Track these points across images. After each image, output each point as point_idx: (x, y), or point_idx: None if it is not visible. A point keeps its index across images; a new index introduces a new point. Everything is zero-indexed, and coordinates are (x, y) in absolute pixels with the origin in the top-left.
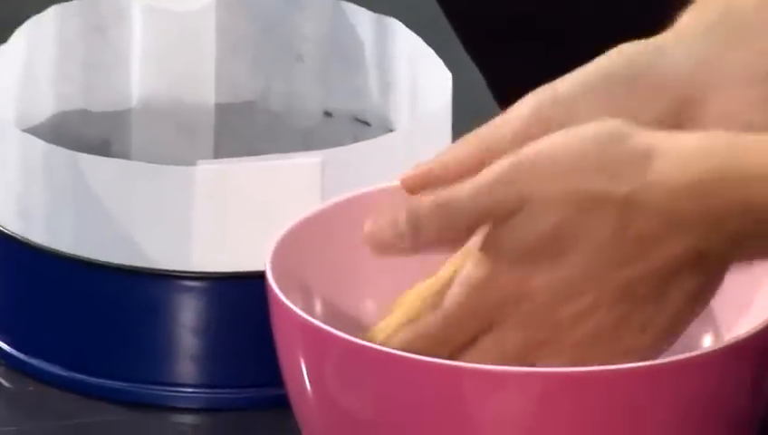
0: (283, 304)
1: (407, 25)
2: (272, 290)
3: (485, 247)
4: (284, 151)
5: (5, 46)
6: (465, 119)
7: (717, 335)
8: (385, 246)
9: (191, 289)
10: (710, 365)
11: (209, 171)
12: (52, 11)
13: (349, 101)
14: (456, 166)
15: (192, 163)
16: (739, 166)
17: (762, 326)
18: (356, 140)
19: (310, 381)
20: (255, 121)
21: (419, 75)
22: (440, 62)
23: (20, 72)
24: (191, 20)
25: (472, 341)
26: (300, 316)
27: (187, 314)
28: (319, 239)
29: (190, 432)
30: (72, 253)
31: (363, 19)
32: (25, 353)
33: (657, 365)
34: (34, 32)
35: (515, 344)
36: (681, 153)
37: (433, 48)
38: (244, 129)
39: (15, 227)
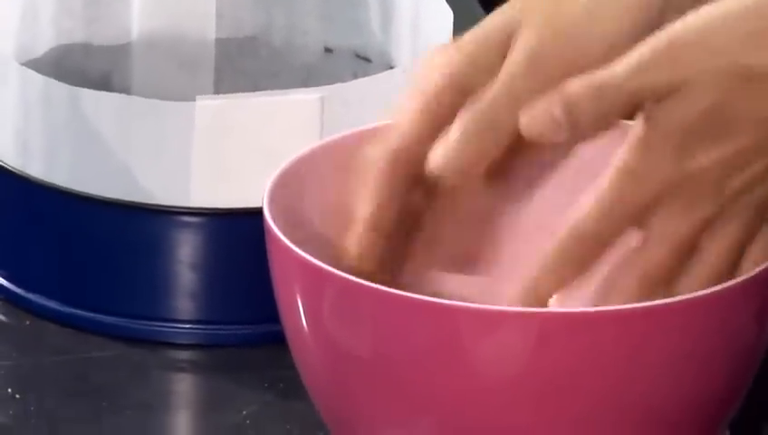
0: (281, 241)
1: None
2: (269, 227)
3: (643, 131)
4: (285, 87)
5: None
6: None
7: None
8: (542, 137)
9: (189, 225)
10: (714, 305)
11: (208, 107)
12: None
13: (350, 36)
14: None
15: (192, 98)
16: None
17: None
18: (356, 76)
19: (306, 319)
20: (256, 57)
21: (420, 11)
22: None
23: (20, 4)
24: None
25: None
26: (297, 254)
27: (186, 250)
28: (317, 177)
29: (188, 368)
30: (70, 188)
31: None
32: (23, 288)
33: (658, 305)
34: None
35: (682, 230)
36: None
37: None
38: (245, 64)
39: (14, 162)
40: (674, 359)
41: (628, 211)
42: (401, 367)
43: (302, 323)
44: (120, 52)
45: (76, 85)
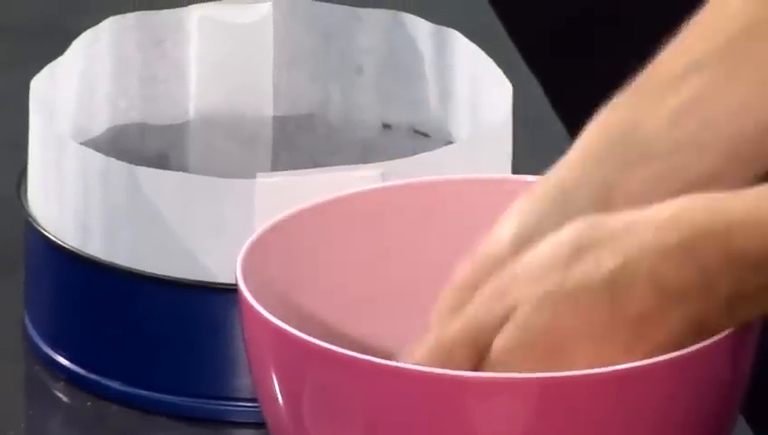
0: (259, 314)
1: (466, 36)
2: (245, 299)
3: (491, 363)
4: (343, 163)
5: (62, 59)
6: (525, 131)
7: None
8: None
9: None
10: (691, 364)
11: (269, 184)
12: (108, 23)
13: (408, 112)
14: None
15: (251, 175)
16: (720, 218)
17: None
18: (415, 152)
19: (285, 404)
20: (314, 134)
21: (479, 86)
22: (500, 73)
23: (77, 85)
24: (249, 32)
25: None
26: (275, 325)
27: None
28: (291, 246)
29: None
30: (130, 267)
31: (422, 30)
32: (84, 368)
33: (650, 365)
34: (91, 44)
35: None
36: (660, 222)
37: (492, 59)
38: (302, 141)
39: (74, 241)
40: (667, 415)
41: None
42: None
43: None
44: (177, 131)
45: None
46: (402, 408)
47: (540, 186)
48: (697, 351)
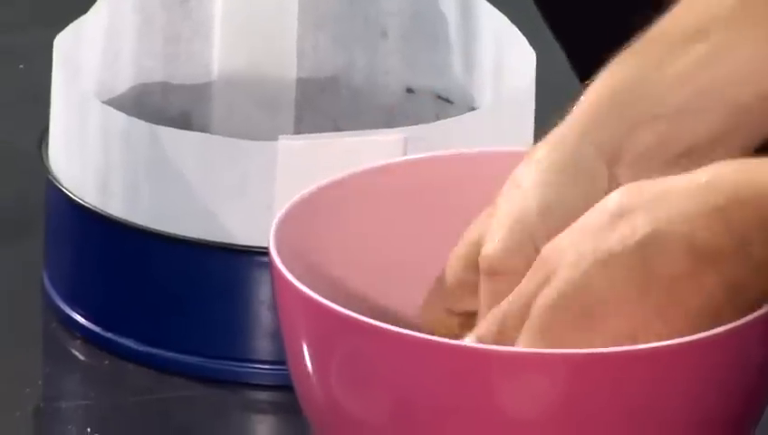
0: (291, 283)
1: (490, 2)
2: (277, 269)
3: (530, 324)
4: (366, 128)
5: (86, 17)
6: (548, 98)
7: None
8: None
9: None
10: (722, 345)
11: (291, 147)
12: None
13: (431, 78)
14: None
15: (273, 138)
16: (754, 184)
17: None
18: (438, 117)
19: (315, 373)
20: (337, 97)
21: (503, 53)
22: (524, 40)
23: (101, 43)
24: None
25: None
26: (308, 295)
27: (267, 291)
28: (324, 215)
29: (267, 409)
30: (150, 226)
31: None
32: (102, 327)
33: (679, 344)
34: (116, 3)
35: None
36: (695, 188)
37: (516, 25)
38: (325, 104)
39: (94, 200)
40: (691, 396)
41: None
42: (423, 423)
43: (311, 376)
44: (200, 91)
45: (155, 124)
46: (429, 380)
47: (549, 144)
48: (728, 331)
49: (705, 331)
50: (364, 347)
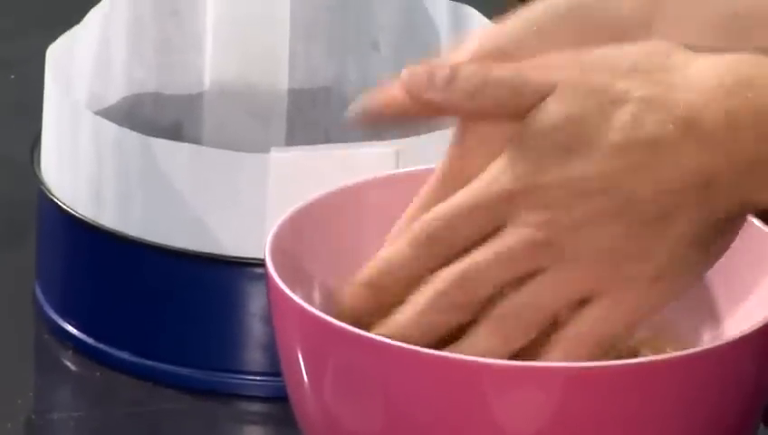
0: (285, 295)
1: (482, 14)
2: (272, 278)
3: (514, 134)
4: (357, 139)
5: (79, 27)
6: None
7: (720, 324)
8: (415, 93)
9: (263, 277)
10: (716, 360)
11: (283, 159)
12: None
13: None
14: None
15: (264, 149)
16: (759, 74)
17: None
18: (430, 129)
19: (310, 382)
20: (329, 108)
21: None
22: None
23: (93, 54)
24: (265, 3)
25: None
26: (303, 308)
27: (258, 303)
28: (319, 227)
29: (259, 420)
30: (142, 237)
31: (440, 7)
32: (94, 338)
33: (662, 360)
34: (108, 13)
35: (522, 243)
36: (713, 64)
37: None
38: (317, 115)
39: (86, 211)
40: (678, 411)
41: (480, 213)
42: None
43: (306, 387)
44: (192, 101)
45: (147, 135)
46: (423, 392)
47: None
48: (724, 345)
49: (664, 205)
50: (359, 359)
